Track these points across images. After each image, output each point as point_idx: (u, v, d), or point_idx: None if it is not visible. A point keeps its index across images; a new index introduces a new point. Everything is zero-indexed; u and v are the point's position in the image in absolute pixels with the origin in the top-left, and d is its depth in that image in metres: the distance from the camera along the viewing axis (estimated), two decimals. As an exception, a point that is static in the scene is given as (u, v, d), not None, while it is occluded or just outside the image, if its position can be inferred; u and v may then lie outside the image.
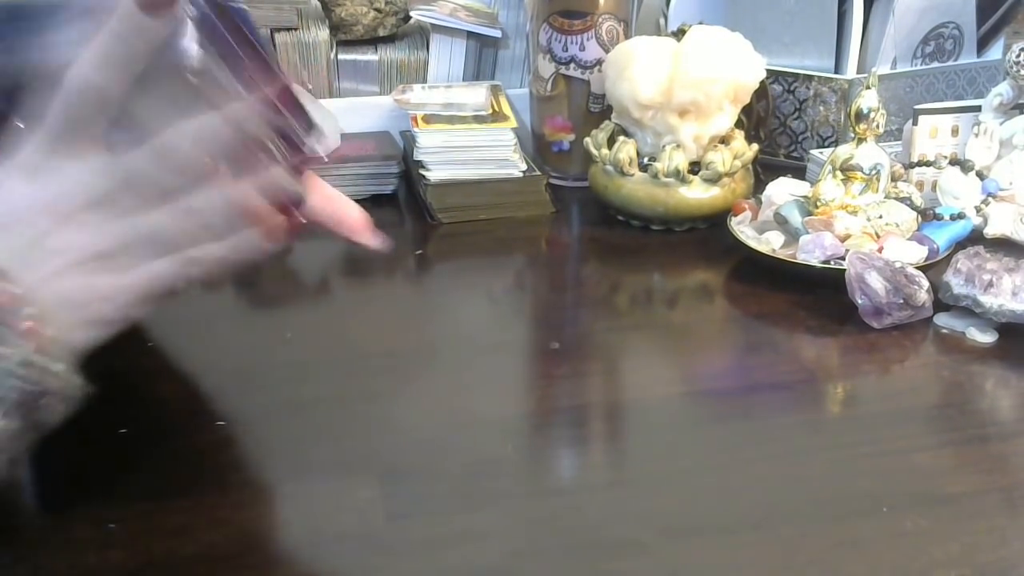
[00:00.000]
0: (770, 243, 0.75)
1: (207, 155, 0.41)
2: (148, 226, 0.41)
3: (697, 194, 0.82)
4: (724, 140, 0.85)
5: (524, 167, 0.88)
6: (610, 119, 0.88)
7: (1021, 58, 0.81)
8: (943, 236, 0.73)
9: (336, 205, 0.49)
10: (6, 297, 0.38)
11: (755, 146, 0.87)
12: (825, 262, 0.71)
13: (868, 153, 0.75)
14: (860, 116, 0.75)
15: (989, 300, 0.64)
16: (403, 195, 0.91)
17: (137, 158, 0.41)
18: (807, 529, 0.48)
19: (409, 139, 0.92)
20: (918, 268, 0.69)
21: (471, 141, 0.87)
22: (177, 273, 0.42)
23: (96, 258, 0.40)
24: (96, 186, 0.40)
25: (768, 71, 0.87)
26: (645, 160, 0.85)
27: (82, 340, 0.41)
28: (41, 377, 0.39)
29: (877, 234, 0.73)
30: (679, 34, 0.91)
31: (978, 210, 0.76)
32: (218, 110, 0.41)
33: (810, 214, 0.75)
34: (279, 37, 0.99)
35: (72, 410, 0.41)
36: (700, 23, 0.90)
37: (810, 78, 0.94)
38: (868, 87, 0.75)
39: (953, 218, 0.75)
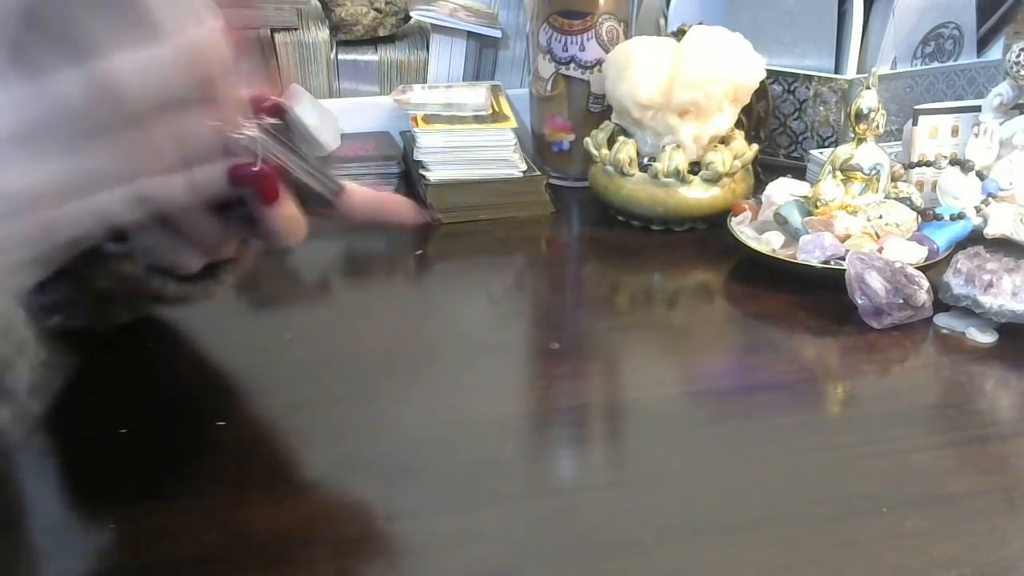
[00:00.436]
0: (770, 243, 0.75)
1: (156, 98, 0.36)
2: (84, 163, 0.36)
3: (697, 194, 0.82)
4: (724, 140, 0.85)
5: (524, 167, 0.88)
6: (610, 119, 0.88)
7: (1021, 58, 0.81)
8: (943, 236, 0.73)
9: (378, 198, 0.49)
10: None
11: (755, 146, 0.87)
12: (825, 262, 0.71)
13: (868, 153, 0.75)
14: (860, 116, 0.75)
15: (989, 300, 0.64)
16: (403, 195, 0.91)
17: (70, 88, 0.35)
18: (807, 529, 0.48)
19: (409, 139, 0.92)
20: (918, 268, 0.69)
21: (471, 141, 0.87)
22: (122, 209, 0.38)
23: (28, 197, 0.36)
24: (16, 117, 0.35)
25: (768, 71, 0.87)
26: (645, 160, 0.85)
27: (20, 282, 0.37)
28: None
29: (877, 234, 0.73)
30: (679, 34, 0.91)
31: (978, 210, 0.76)
32: (176, 40, 0.36)
33: (810, 214, 0.75)
34: (279, 37, 0.99)
35: (46, 378, 0.40)
36: (700, 23, 0.90)
37: (810, 78, 0.94)
38: (868, 87, 0.75)
39: (953, 218, 0.75)
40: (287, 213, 0.46)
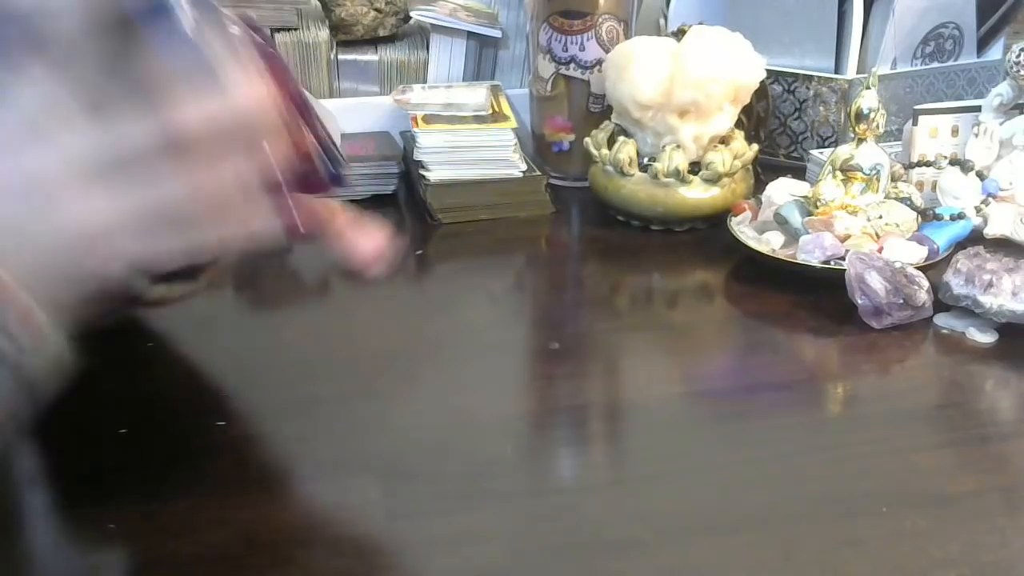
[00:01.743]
0: (770, 243, 0.75)
1: (215, 142, 0.39)
2: (146, 204, 0.38)
3: (697, 194, 0.82)
4: (724, 140, 0.85)
5: (524, 167, 0.88)
6: (610, 119, 0.88)
7: (1021, 58, 0.81)
8: (943, 236, 0.73)
9: (349, 240, 0.49)
10: None
11: (755, 146, 0.87)
12: (825, 262, 0.71)
13: (868, 153, 0.75)
14: (860, 116, 0.75)
15: (989, 300, 0.64)
16: (403, 195, 0.91)
17: (142, 133, 0.37)
18: (807, 529, 0.48)
19: (409, 139, 0.92)
20: (918, 268, 0.69)
21: (471, 141, 0.87)
22: (178, 254, 0.40)
23: (90, 236, 0.38)
24: (84, 157, 0.37)
25: (768, 71, 0.87)
26: (645, 160, 0.85)
27: (78, 315, 0.39)
28: (34, 363, 0.38)
29: (877, 234, 0.73)
30: (679, 34, 0.91)
31: (978, 210, 0.76)
32: (233, 95, 0.39)
33: (810, 214, 0.75)
34: (279, 37, 0.99)
35: (62, 383, 0.40)
36: (700, 23, 0.90)
37: (810, 78, 0.94)
38: (868, 87, 0.75)
39: (953, 218, 0.75)
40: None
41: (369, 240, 0.49)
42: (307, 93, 0.50)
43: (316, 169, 0.48)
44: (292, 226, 0.46)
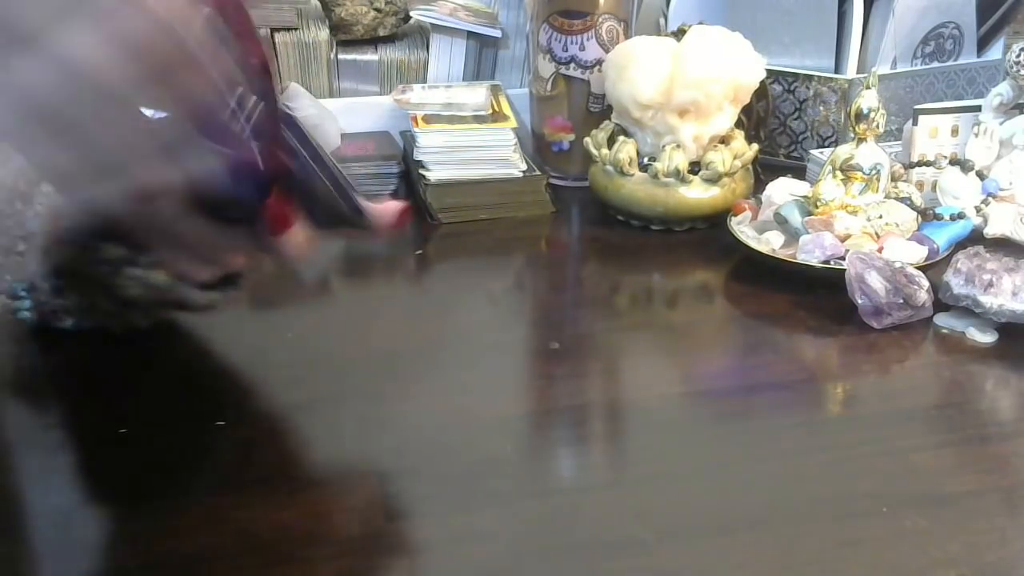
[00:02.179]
0: (770, 243, 0.75)
1: (134, 73, 0.34)
2: (72, 153, 0.35)
3: (697, 194, 0.82)
4: (724, 140, 0.85)
5: (524, 167, 0.88)
6: (610, 119, 0.88)
7: (1021, 58, 0.81)
8: (943, 236, 0.73)
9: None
10: None
11: (755, 146, 0.87)
12: (825, 262, 0.71)
13: (868, 153, 0.75)
14: (860, 116, 0.75)
15: (989, 300, 0.64)
16: (403, 195, 0.91)
17: (40, 77, 0.33)
18: (807, 529, 0.48)
19: (409, 139, 0.92)
20: (918, 268, 0.69)
21: (471, 141, 0.87)
22: (112, 202, 0.37)
23: (31, 186, 0.36)
24: None
25: (768, 71, 0.87)
26: (645, 160, 0.85)
27: (31, 269, 0.38)
28: None
29: (877, 234, 0.73)
30: (679, 34, 0.91)
31: (978, 210, 0.76)
32: (145, 14, 0.35)
33: (810, 214, 0.75)
34: (279, 37, 0.99)
35: None
36: (700, 23, 0.90)
37: (810, 78, 0.94)
38: (868, 87, 0.75)
39: (953, 218, 0.75)
40: (297, 240, 0.46)
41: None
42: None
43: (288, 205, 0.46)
44: (244, 163, 0.42)
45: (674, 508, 0.49)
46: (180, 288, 0.54)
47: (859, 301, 0.66)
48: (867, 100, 0.74)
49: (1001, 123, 0.82)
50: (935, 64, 0.97)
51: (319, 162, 0.47)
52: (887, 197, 0.76)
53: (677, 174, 0.81)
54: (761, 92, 0.90)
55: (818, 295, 0.70)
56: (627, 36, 0.91)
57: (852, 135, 0.76)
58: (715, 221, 0.82)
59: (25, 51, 0.33)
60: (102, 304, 0.60)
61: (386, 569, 0.46)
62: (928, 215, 0.76)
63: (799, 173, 0.89)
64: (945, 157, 0.81)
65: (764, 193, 0.80)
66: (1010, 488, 0.51)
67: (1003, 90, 0.83)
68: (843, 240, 0.72)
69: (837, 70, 0.94)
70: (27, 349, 0.62)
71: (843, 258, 0.70)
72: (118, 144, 0.35)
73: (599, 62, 0.90)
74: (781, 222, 0.76)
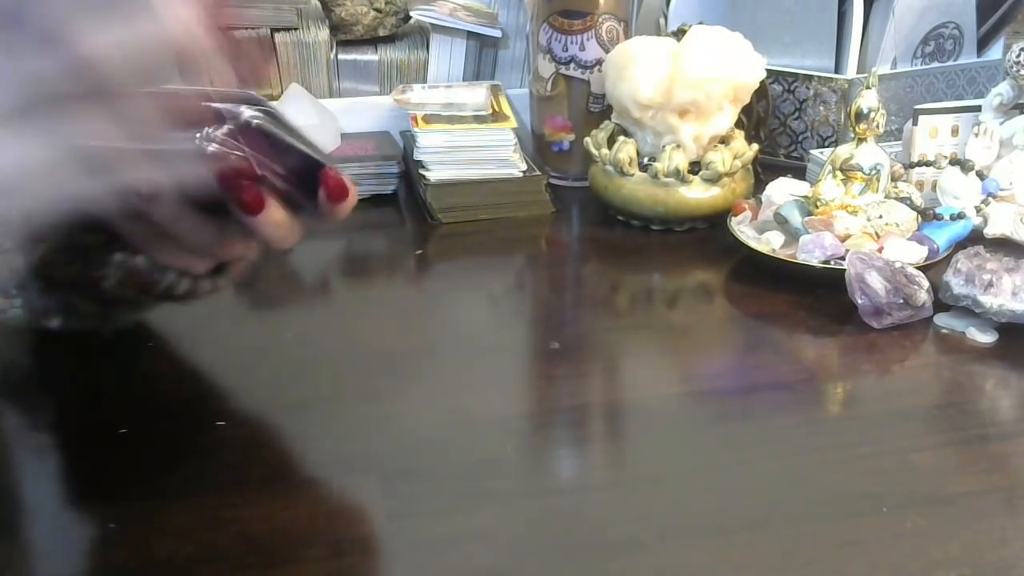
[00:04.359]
0: (770, 243, 0.75)
1: (132, 73, 0.36)
2: (64, 143, 0.36)
3: (697, 194, 0.82)
4: (724, 140, 0.85)
5: (524, 167, 0.88)
6: (610, 119, 0.88)
7: (1021, 58, 0.81)
8: (943, 236, 0.73)
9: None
10: None
11: (755, 146, 0.87)
12: (825, 262, 0.71)
13: (868, 153, 0.75)
14: (860, 116, 0.75)
15: (989, 300, 0.64)
16: (403, 195, 0.91)
17: (48, 65, 0.35)
18: (807, 529, 0.48)
19: (409, 139, 0.92)
20: (918, 268, 0.69)
21: (471, 141, 0.87)
22: (102, 196, 0.38)
23: (5, 180, 0.36)
24: None
25: (768, 71, 0.87)
26: (645, 160, 0.85)
27: (15, 264, 0.39)
28: None
29: (877, 234, 0.73)
30: (679, 34, 0.91)
31: (978, 210, 0.76)
32: (158, 22, 0.36)
33: (810, 214, 0.75)
34: (279, 37, 0.99)
35: None
36: (700, 23, 0.90)
37: (810, 78, 0.94)
38: (868, 87, 0.75)
39: (953, 218, 0.75)
40: (275, 219, 0.46)
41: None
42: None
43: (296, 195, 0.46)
44: (231, 177, 0.43)
45: (674, 508, 0.49)
46: (161, 277, 0.53)
47: (859, 301, 0.66)
48: (867, 100, 0.74)
49: (1001, 123, 0.82)
50: (935, 64, 0.97)
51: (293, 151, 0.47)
52: (887, 197, 0.76)
53: (677, 174, 0.81)
54: (761, 92, 0.90)
55: (818, 295, 0.70)
56: (627, 36, 0.91)
57: (852, 135, 0.76)
58: (715, 221, 0.82)
59: (36, 43, 0.35)
60: (82, 305, 0.59)
61: (386, 569, 0.46)
62: (928, 215, 0.76)
63: (799, 173, 0.89)
64: (945, 157, 0.81)
65: (764, 193, 0.80)
66: (1010, 488, 0.51)
67: (1003, 90, 0.83)
68: (843, 240, 0.72)
69: (837, 70, 0.94)
70: (22, 348, 0.62)
71: (843, 258, 0.70)
72: (108, 138, 0.36)
73: (599, 62, 0.90)
74: (781, 222, 0.76)
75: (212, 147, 0.43)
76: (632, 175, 0.84)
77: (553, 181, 0.92)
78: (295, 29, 0.99)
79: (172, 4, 0.37)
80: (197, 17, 0.37)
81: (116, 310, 0.60)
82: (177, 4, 0.37)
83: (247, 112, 0.45)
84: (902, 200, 0.76)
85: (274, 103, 0.56)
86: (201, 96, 0.42)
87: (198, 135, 0.43)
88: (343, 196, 0.47)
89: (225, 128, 0.44)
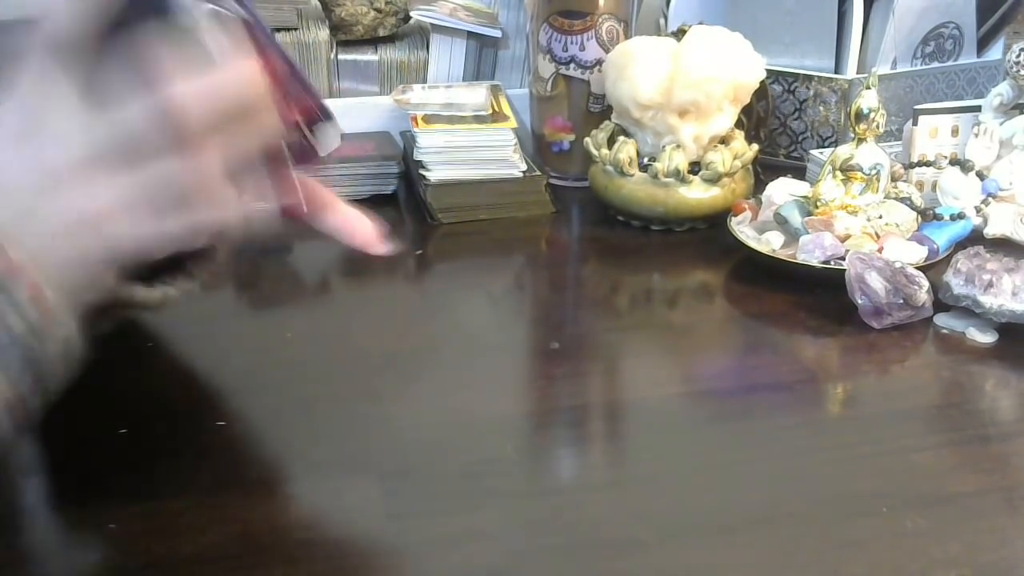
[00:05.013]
0: (770, 243, 0.75)
1: (210, 119, 0.39)
2: (147, 186, 0.40)
3: (697, 194, 0.82)
4: (724, 140, 0.85)
5: (524, 167, 0.88)
6: (610, 119, 0.88)
7: (1021, 58, 0.81)
8: (943, 236, 0.73)
9: (348, 218, 0.50)
10: (4, 264, 0.37)
11: (755, 146, 0.87)
12: (825, 262, 0.71)
13: (868, 153, 0.75)
14: (860, 116, 0.75)
15: (989, 300, 0.64)
16: (403, 195, 0.91)
17: (135, 114, 0.39)
18: (807, 529, 0.48)
19: (409, 139, 0.92)
20: (918, 268, 0.69)
21: (471, 141, 0.87)
22: (181, 234, 0.41)
23: (95, 217, 0.39)
24: (86, 143, 0.39)
25: (768, 71, 0.87)
26: (645, 160, 0.85)
27: (86, 300, 0.41)
28: (44, 343, 0.39)
29: (877, 234, 0.73)
30: (679, 34, 0.91)
31: (978, 210, 0.76)
32: (224, 72, 0.40)
33: (810, 214, 0.75)
34: (279, 37, 0.99)
35: (72, 371, 0.41)
36: (700, 23, 0.90)
37: (810, 78, 0.94)
38: (868, 87, 0.75)
39: (953, 218, 0.75)
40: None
41: (366, 222, 0.50)
42: (290, 56, 0.50)
43: (306, 138, 0.48)
44: (295, 204, 0.46)
45: (674, 508, 0.49)
46: (131, 287, 0.53)
47: (859, 301, 0.66)
48: (867, 100, 0.74)
49: (1001, 123, 0.82)
50: (935, 64, 0.97)
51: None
52: (887, 197, 0.76)
53: (677, 174, 0.81)
54: (761, 92, 0.90)
55: (818, 295, 0.70)
56: (627, 36, 0.91)
57: (852, 135, 0.76)
58: (715, 221, 0.82)
59: (131, 90, 0.39)
60: None
61: (386, 569, 0.46)
62: (928, 215, 0.76)
63: (799, 173, 0.89)
64: (945, 157, 0.81)
65: (764, 193, 0.80)
66: (1010, 488, 0.51)
67: (1003, 90, 0.83)
68: (843, 240, 0.72)
69: (837, 70, 0.94)
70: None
71: (843, 258, 0.70)
72: (189, 178, 0.40)
73: (599, 62, 0.90)
74: (781, 222, 0.76)
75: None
76: (632, 175, 0.84)
77: (553, 181, 0.92)
78: (295, 29, 0.99)
79: (235, 58, 0.41)
80: (258, 70, 0.41)
81: (93, 319, 0.59)
82: (238, 58, 0.41)
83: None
84: (902, 200, 0.76)
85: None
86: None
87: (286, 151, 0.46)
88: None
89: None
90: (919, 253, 0.71)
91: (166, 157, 0.39)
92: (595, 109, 0.92)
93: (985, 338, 0.65)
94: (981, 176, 0.78)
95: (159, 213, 0.40)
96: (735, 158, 0.83)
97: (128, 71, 0.39)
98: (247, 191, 0.42)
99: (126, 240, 0.40)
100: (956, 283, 0.66)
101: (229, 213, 0.42)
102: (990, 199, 0.77)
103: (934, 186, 0.81)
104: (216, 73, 0.40)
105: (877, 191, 0.75)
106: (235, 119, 0.40)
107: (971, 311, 0.65)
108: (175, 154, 0.39)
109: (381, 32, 1.02)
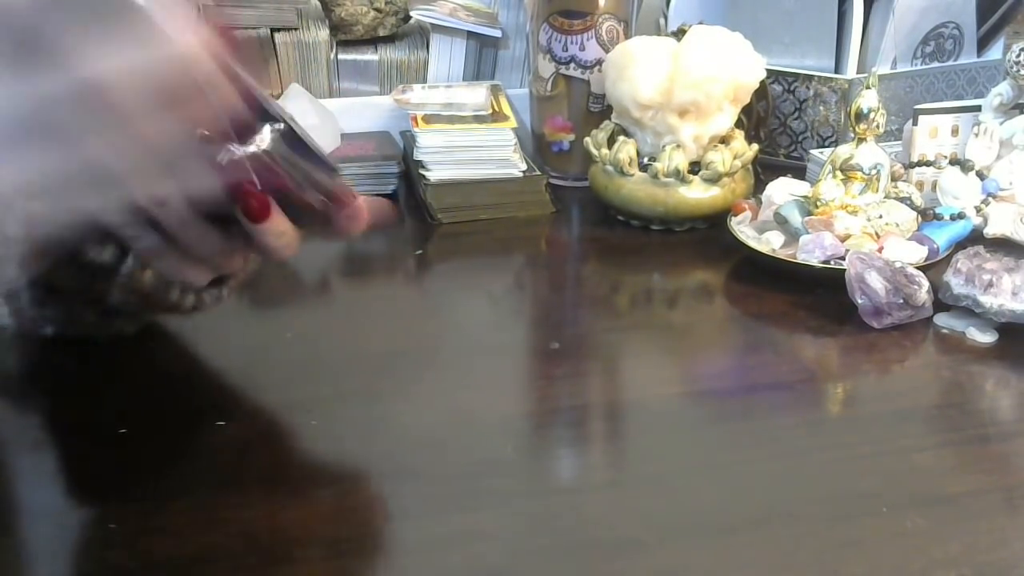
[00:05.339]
0: (770, 243, 0.75)
1: (141, 100, 0.37)
2: (71, 162, 0.37)
3: (697, 194, 0.82)
4: (724, 140, 0.85)
5: (524, 167, 0.88)
6: (610, 119, 0.88)
7: (1021, 58, 0.81)
8: (943, 236, 0.73)
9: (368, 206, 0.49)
10: None
11: (755, 146, 0.87)
12: (825, 262, 0.71)
13: (868, 153, 0.75)
14: (860, 116, 0.75)
15: (989, 300, 0.64)
16: (403, 195, 0.91)
17: (58, 88, 0.36)
18: (807, 529, 0.48)
19: (409, 139, 0.92)
20: (918, 268, 0.69)
21: (471, 141, 0.87)
22: (111, 211, 0.39)
23: (11, 194, 0.37)
24: (6, 117, 0.36)
25: (768, 71, 0.87)
26: (645, 160, 0.85)
27: (9, 276, 0.40)
28: None
29: (877, 234, 0.73)
30: (679, 34, 0.91)
31: (978, 210, 0.76)
32: (167, 46, 0.37)
33: (810, 214, 0.75)
34: (279, 37, 0.99)
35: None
36: (700, 23, 0.90)
37: (810, 78, 0.94)
38: (868, 87, 0.75)
39: (953, 218, 0.75)
40: (277, 229, 0.46)
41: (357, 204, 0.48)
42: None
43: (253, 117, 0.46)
44: (240, 183, 0.44)
45: (674, 508, 0.49)
46: (166, 291, 0.53)
47: (859, 301, 0.66)
48: (867, 100, 0.74)
49: (1001, 123, 0.82)
50: (935, 64, 0.97)
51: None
52: (887, 197, 0.76)
53: (677, 174, 0.82)
54: (761, 92, 0.90)
55: (818, 295, 0.70)
56: (627, 36, 0.91)
57: (852, 135, 0.76)
58: (715, 221, 0.82)
59: (49, 65, 0.36)
60: (85, 316, 0.59)
61: (386, 569, 0.46)
62: (928, 215, 0.76)
63: (799, 173, 0.89)
64: (945, 157, 0.81)
65: (764, 193, 0.80)
66: (1010, 488, 0.51)
67: (1003, 90, 0.83)
68: (843, 240, 0.72)
69: (837, 70, 0.94)
70: (18, 351, 0.62)
71: (843, 258, 0.70)
72: (116, 159, 0.37)
73: (599, 62, 0.90)
74: (781, 222, 0.76)
75: (228, 156, 0.43)
76: (632, 175, 0.84)
77: (553, 181, 0.92)
78: (295, 29, 0.99)
79: (181, 29, 0.38)
80: (205, 41, 0.38)
81: (116, 320, 0.60)
82: (186, 29, 0.38)
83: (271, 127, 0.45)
84: (902, 200, 0.76)
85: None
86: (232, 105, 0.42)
87: (227, 147, 0.43)
88: (360, 218, 0.48)
89: (266, 134, 0.44)
90: (919, 253, 0.71)
91: (92, 136, 0.37)
92: (595, 109, 0.92)
93: (985, 338, 0.65)
94: (981, 176, 0.78)
95: (82, 192, 0.38)
96: (735, 158, 0.83)
97: (59, 44, 0.36)
98: (185, 171, 0.40)
99: (40, 218, 0.38)
100: (956, 283, 0.66)
101: (163, 187, 0.39)
102: (990, 199, 0.77)
103: (934, 186, 0.81)
104: (151, 46, 0.37)
105: (877, 191, 0.75)
106: (169, 95, 0.38)
107: (971, 311, 0.65)
108: (103, 133, 0.37)
109: (381, 32, 1.02)
